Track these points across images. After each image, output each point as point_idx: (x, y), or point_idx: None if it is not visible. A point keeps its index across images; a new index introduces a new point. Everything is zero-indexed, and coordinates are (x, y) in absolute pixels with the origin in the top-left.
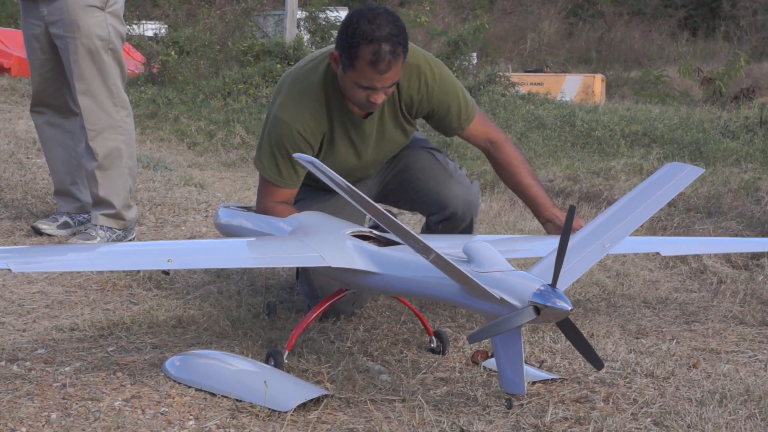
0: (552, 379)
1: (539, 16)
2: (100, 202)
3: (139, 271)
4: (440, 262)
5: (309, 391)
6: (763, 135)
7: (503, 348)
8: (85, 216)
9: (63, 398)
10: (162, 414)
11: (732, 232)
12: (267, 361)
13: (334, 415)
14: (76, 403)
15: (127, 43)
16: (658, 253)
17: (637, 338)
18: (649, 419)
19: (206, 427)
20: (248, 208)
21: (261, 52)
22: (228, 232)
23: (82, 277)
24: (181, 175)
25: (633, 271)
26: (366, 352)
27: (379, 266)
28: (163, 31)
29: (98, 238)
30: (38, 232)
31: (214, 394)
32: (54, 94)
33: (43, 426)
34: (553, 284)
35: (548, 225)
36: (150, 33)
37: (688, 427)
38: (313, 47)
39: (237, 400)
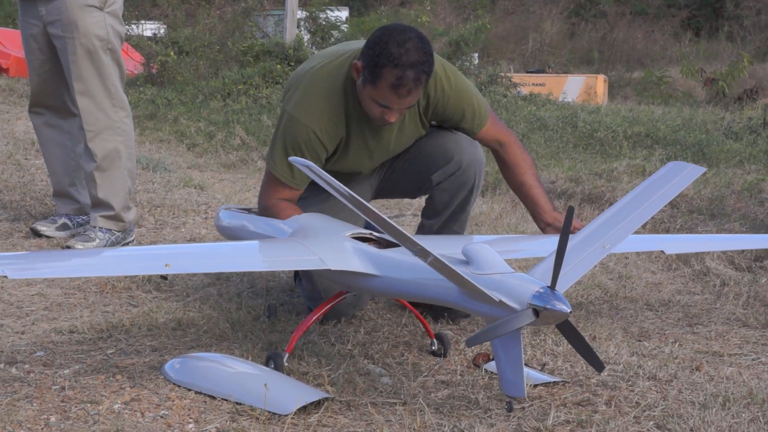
0: (554, 382)
1: (541, 16)
2: (99, 204)
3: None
4: (438, 264)
5: (309, 394)
6: (766, 136)
7: (503, 350)
8: (84, 217)
9: (62, 401)
10: (161, 417)
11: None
12: (267, 364)
13: (335, 418)
14: (75, 406)
15: (126, 43)
16: (662, 251)
17: (640, 341)
18: (651, 422)
19: (206, 430)
20: (249, 210)
21: (261, 52)
22: (229, 234)
23: (81, 280)
24: (181, 177)
25: (635, 273)
26: (367, 355)
27: (378, 268)
28: (162, 31)
29: (97, 240)
30: (37, 234)
31: (214, 397)
32: (52, 95)
33: (42, 429)
34: (552, 286)
35: (548, 229)
36: (149, 33)
37: (691, 430)
38: (314, 47)
39: (237, 403)
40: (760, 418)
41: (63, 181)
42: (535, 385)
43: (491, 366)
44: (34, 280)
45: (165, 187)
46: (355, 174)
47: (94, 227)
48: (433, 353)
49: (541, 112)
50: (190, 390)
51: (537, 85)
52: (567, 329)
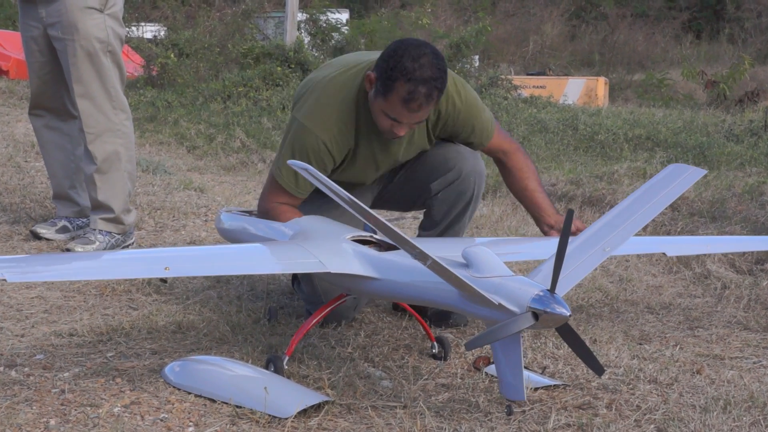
0: (554, 385)
1: (542, 18)
2: (99, 206)
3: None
4: (438, 267)
5: (310, 397)
6: (767, 139)
7: (503, 354)
8: (84, 220)
9: (62, 404)
10: (161, 420)
11: None
12: (267, 367)
13: (335, 421)
14: (75, 410)
15: (126, 45)
16: (663, 253)
17: (641, 344)
18: (652, 426)
19: None
20: (250, 213)
21: (261, 54)
22: (230, 236)
23: (80, 282)
24: (181, 179)
25: (636, 276)
26: (367, 358)
27: (378, 271)
28: (162, 33)
29: (97, 243)
30: (37, 237)
31: (214, 400)
32: (52, 97)
33: None
34: (552, 289)
35: (551, 232)
36: (149, 35)
37: None
38: (314, 50)
39: (237, 407)
40: (761, 421)
41: (63, 184)
42: (536, 389)
43: (491, 369)
44: (34, 283)
45: (165, 189)
46: (358, 184)
47: (94, 230)
48: (434, 356)
49: (542, 115)
50: (190, 393)
51: (538, 87)
52: (567, 332)
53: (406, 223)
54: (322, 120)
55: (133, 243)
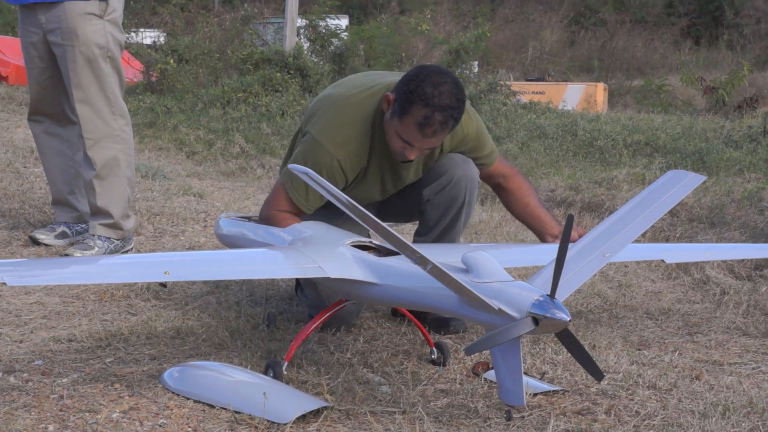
0: (553, 390)
1: (541, 24)
2: (98, 212)
3: (137, 282)
4: (437, 272)
5: (308, 402)
6: (766, 145)
7: (502, 359)
8: (83, 226)
9: (60, 410)
10: (160, 426)
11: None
12: (266, 373)
13: (334, 427)
14: (74, 415)
15: (126, 51)
16: (662, 260)
17: (640, 350)
18: (651, 431)
19: None
20: (249, 218)
21: (260, 60)
22: (228, 242)
23: (79, 288)
24: (180, 185)
25: (635, 282)
26: (366, 364)
27: (378, 277)
28: (161, 39)
29: (96, 248)
30: (36, 242)
31: (212, 406)
32: (52, 103)
33: None
34: (552, 295)
35: (555, 241)
36: (148, 41)
37: None
38: (313, 56)
39: (236, 412)
40: (760, 427)
41: (62, 189)
42: (535, 394)
43: (490, 375)
44: (33, 288)
45: (164, 195)
46: (360, 202)
47: (93, 235)
48: (433, 362)
49: (541, 121)
50: (188, 399)
51: (537, 93)
52: (566, 338)
53: (405, 229)
54: (338, 138)
55: (132, 248)
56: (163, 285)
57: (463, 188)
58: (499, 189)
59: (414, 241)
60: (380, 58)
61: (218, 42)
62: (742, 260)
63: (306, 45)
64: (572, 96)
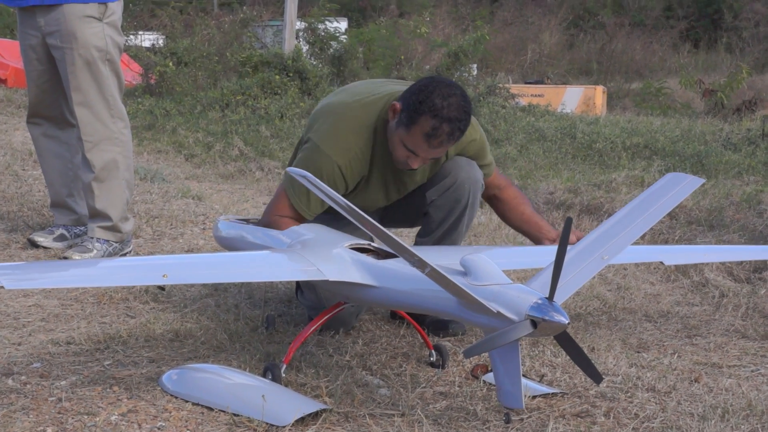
0: (552, 393)
1: (540, 27)
2: (96, 215)
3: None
4: (436, 275)
5: (307, 405)
6: (765, 147)
7: (501, 362)
8: (82, 228)
9: (58, 413)
10: (158, 428)
11: None
12: (265, 375)
13: (333, 429)
14: (72, 418)
15: (125, 53)
16: (661, 262)
17: (639, 352)
18: None
19: None
20: (248, 221)
21: (259, 63)
22: (227, 244)
23: (78, 290)
24: (179, 187)
25: (634, 285)
26: (365, 366)
27: (376, 279)
28: (160, 41)
29: (95, 251)
30: (34, 245)
31: (211, 409)
32: (51, 106)
33: None
34: (551, 297)
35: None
36: (147, 44)
37: None
38: (312, 58)
39: (234, 415)
40: (759, 429)
41: (61, 192)
42: (534, 397)
43: (489, 377)
44: (31, 291)
45: (163, 197)
46: (363, 210)
47: (92, 238)
48: (432, 364)
49: (540, 123)
50: (187, 401)
51: (536, 96)
52: (565, 340)
53: (404, 231)
54: (339, 144)
55: (130, 251)
56: (162, 288)
57: (467, 190)
58: (494, 200)
59: (416, 243)
60: (379, 60)
61: (217, 45)
62: (741, 263)
63: (305, 48)
64: (571, 99)
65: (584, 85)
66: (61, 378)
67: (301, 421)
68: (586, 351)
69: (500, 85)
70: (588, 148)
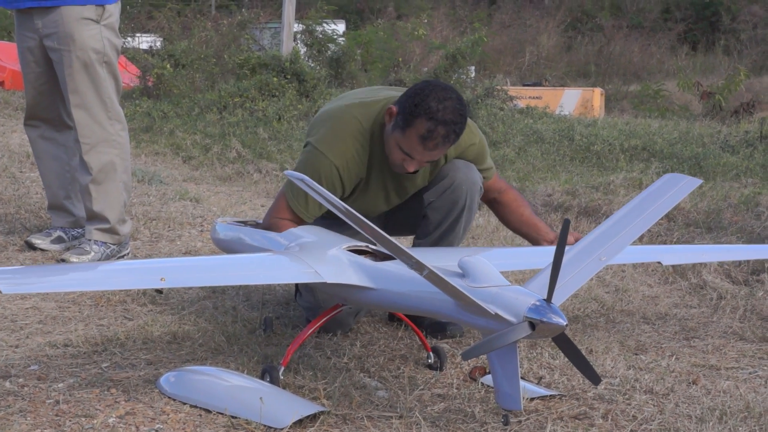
0: (550, 395)
1: (538, 29)
2: (94, 217)
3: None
4: (434, 277)
5: (305, 407)
6: (763, 150)
7: (499, 363)
8: (79, 230)
9: (56, 415)
10: (156, 431)
11: None
12: (263, 377)
13: (331, 431)
14: (70, 420)
15: (122, 56)
16: (659, 262)
17: (637, 354)
18: None
19: None
20: (245, 223)
21: (257, 65)
22: (225, 246)
23: (75, 293)
24: (177, 190)
25: (632, 287)
26: (363, 368)
27: (374, 281)
28: (158, 44)
29: (92, 253)
30: (32, 247)
31: (209, 411)
32: (48, 108)
33: None
34: (549, 299)
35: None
36: (145, 46)
37: None
38: (310, 60)
39: (232, 417)
40: (757, 431)
41: (58, 194)
42: (532, 399)
43: (487, 379)
44: (29, 294)
45: (160, 200)
46: (366, 215)
47: (89, 240)
48: (430, 366)
49: (538, 125)
50: (185, 403)
51: (534, 98)
52: (563, 342)
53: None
54: (337, 146)
55: (128, 253)
56: (159, 291)
57: (464, 192)
58: (494, 203)
59: (413, 245)
60: (377, 63)
61: (215, 47)
62: (739, 265)
63: (303, 50)
64: (569, 101)
65: (582, 88)
66: (59, 380)
67: (299, 423)
68: (584, 353)
69: (498, 88)
70: (586, 150)
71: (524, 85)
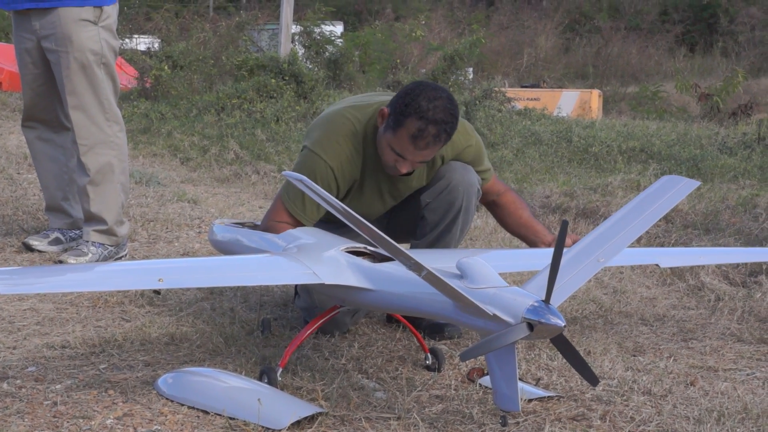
0: (548, 396)
1: (536, 31)
2: (91, 218)
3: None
4: (432, 278)
5: (303, 408)
6: (760, 151)
7: (498, 364)
8: (77, 232)
9: (54, 416)
10: None
11: None
12: (261, 379)
13: None
14: (67, 422)
15: (120, 57)
16: (656, 265)
17: (634, 356)
18: None
19: None
20: (243, 224)
21: (255, 66)
22: (223, 248)
23: (73, 294)
24: (174, 191)
25: (630, 288)
26: (361, 369)
27: (372, 282)
28: (156, 45)
29: (90, 255)
30: (29, 248)
31: (207, 412)
32: (45, 109)
33: None
34: (547, 300)
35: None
36: (143, 47)
37: None
38: (308, 62)
39: (230, 418)
40: None
41: (56, 196)
42: (530, 400)
43: (485, 380)
44: (26, 295)
45: (158, 201)
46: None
47: (87, 241)
48: (428, 368)
49: (536, 127)
50: (183, 405)
51: (532, 99)
52: (561, 343)
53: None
54: (331, 148)
55: (126, 255)
56: (157, 292)
57: (461, 193)
58: (493, 206)
59: (411, 246)
60: (375, 64)
61: (213, 48)
62: (737, 266)
63: (301, 51)
64: (567, 102)
65: (580, 89)
66: (57, 382)
67: (297, 424)
68: (582, 354)
69: (496, 89)
70: (584, 152)
71: (522, 87)
